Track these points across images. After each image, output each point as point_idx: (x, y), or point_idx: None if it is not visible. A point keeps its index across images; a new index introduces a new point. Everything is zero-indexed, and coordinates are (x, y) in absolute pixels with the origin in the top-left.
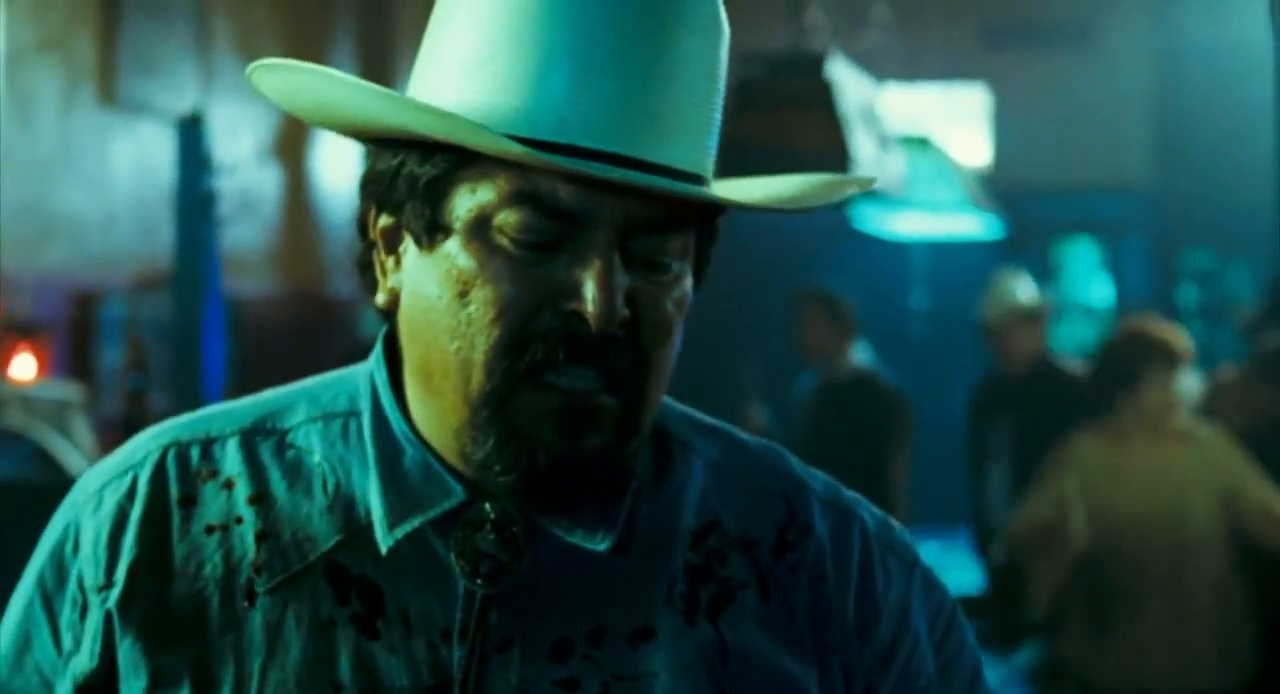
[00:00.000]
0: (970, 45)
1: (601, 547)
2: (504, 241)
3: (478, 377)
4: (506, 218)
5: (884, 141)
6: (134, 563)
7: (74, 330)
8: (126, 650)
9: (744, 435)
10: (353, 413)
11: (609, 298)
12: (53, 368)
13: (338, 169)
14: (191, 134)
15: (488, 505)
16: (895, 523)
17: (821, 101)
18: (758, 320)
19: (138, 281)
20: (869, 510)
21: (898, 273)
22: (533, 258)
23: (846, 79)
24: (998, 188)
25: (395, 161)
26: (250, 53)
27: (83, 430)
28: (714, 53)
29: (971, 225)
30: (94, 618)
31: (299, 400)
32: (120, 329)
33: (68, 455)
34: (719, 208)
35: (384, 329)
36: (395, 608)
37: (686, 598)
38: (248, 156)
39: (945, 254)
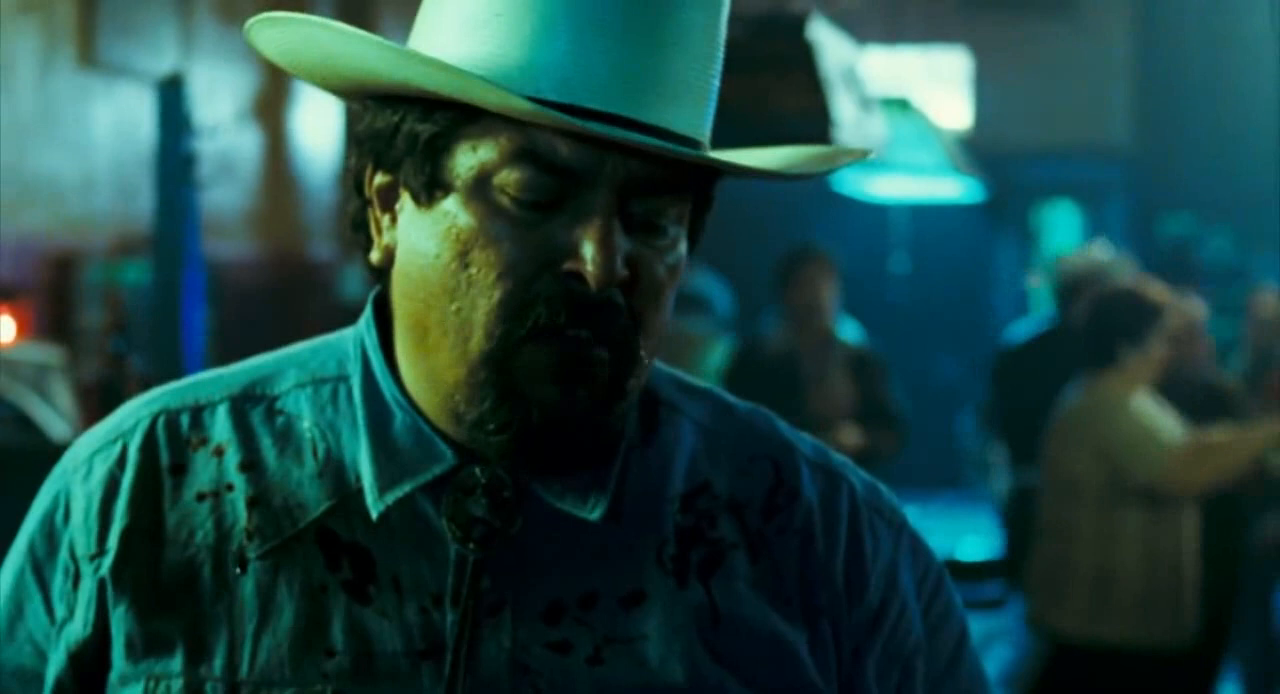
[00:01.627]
0: (951, 8)
1: (593, 515)
2: (504, 201)
3: (478, 337)
4: (508, 176)
5: (864, 104)
6: (126, 530)
7: (53, 293)
8: (119, 617)
9: (731, 398)
10: (342, 377)
11: (609, 258)
12: (32, 331)
13: (318, 131)
14: (171, 96)
15: (478, 470)
16: (882, 486)
17: (802, 63)
18: (738, 280)
19: (117, 244)
20: (857, 473)
21: (878, 235)
22: (533, 217)
23: (827, 41)
24: (978, 151)
25: (395, 118)
26: (230, 15)
27: (62, 393)
28: (715, 20)
29: (952, 188)
30: (87, 586)
31: (287, 366)
32: (100, 292)
33: (47, 418)
34: (716, 173)
35: (374, 292)
36: (386, 573)
37: (677, 560)
38: (228, 119)
39: (925, 217)
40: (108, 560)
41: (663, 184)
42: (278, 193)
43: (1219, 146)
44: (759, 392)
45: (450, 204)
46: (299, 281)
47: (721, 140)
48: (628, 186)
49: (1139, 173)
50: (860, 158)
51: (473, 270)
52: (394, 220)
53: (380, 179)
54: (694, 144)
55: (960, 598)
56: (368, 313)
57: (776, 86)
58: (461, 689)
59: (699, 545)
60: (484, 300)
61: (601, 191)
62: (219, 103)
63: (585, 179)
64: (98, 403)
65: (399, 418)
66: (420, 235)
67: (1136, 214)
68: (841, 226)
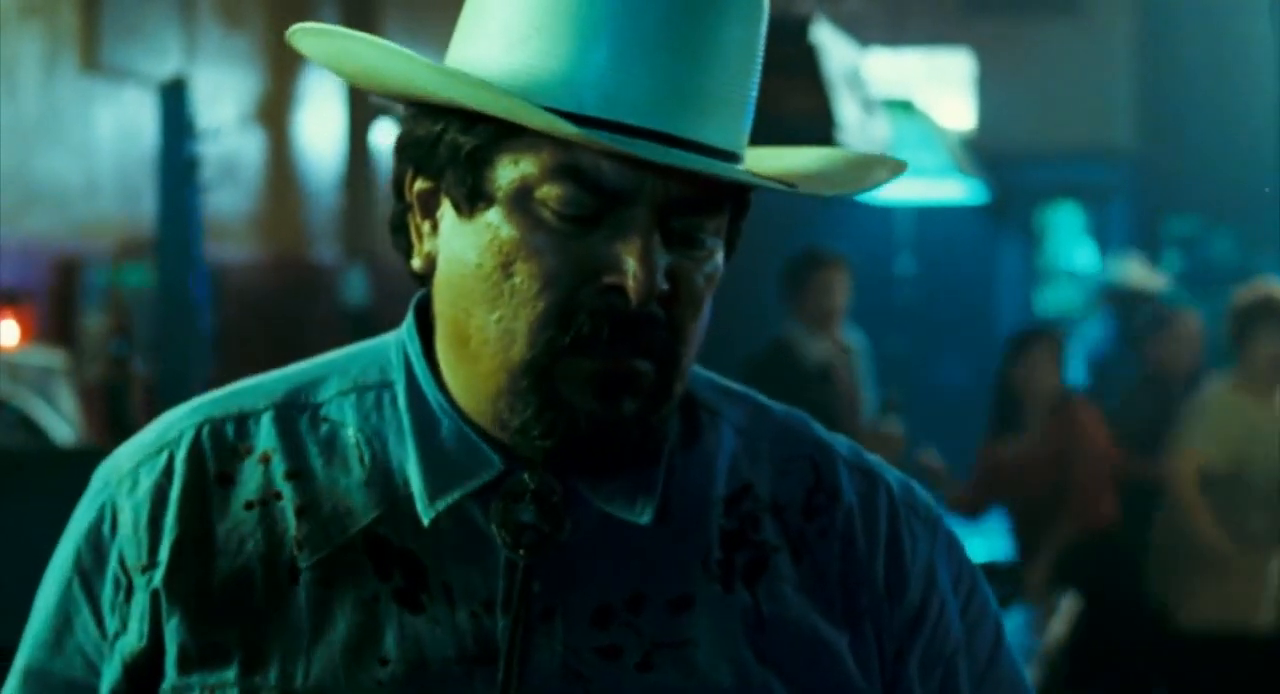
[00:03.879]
0: (954, 9)
1: (643, 519)
2: (546, 214)
3: (520, 346)
4: (549, 191)
5: (868, 106)
6: (177, 541)
7: (57, 297)
8: (173, 629)
9: (767, 400)
10: (385, 384)
11: (649, 274)
12: (36, 334)
13: (321, 135)
14: (174, 100)
15: (526, 476)
16: (916, 484)
17: (806, 66)
18: (741, 282)
19: (121, 248)
20: (892, 473)
21: (883, 237)
22: (574, 230)
23: (830, 43)
24: (982, 153)
25: (437, 128)
26: (233, 18)
27: (66, 397)
28: (754, 34)
29: (955, 190)
30: (139, 598)
31: (329, 373)
32: (103, 295)
33: (50, 421)
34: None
35: (415, 298)
36: (437, 580)
37: (722, 564)
38: (231, 122)
39: (929, 219)
40: (159, 572)
41: (702, 201)
42: (281, 196)
43: (1223, 148)
44: (794, 395)
45: (492, 216)
46: (302, 285)
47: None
48: (668, 204)
49: (1143, 174)
50: (897, 171)
51: (516, 280)
52: (435, 227)
53: (421, 185)
54: (732, 157)
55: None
56: (410, 319)
57: (780, 89)
58: None
59: (744, 548)
60: (526, 310)
61: (642, 209)
62: (222, 106)
63: (626, 197)
64: (101, 406)
65: (445, 424)
66: (463, 245)
67: (1140, 216)
68: (844, 228)
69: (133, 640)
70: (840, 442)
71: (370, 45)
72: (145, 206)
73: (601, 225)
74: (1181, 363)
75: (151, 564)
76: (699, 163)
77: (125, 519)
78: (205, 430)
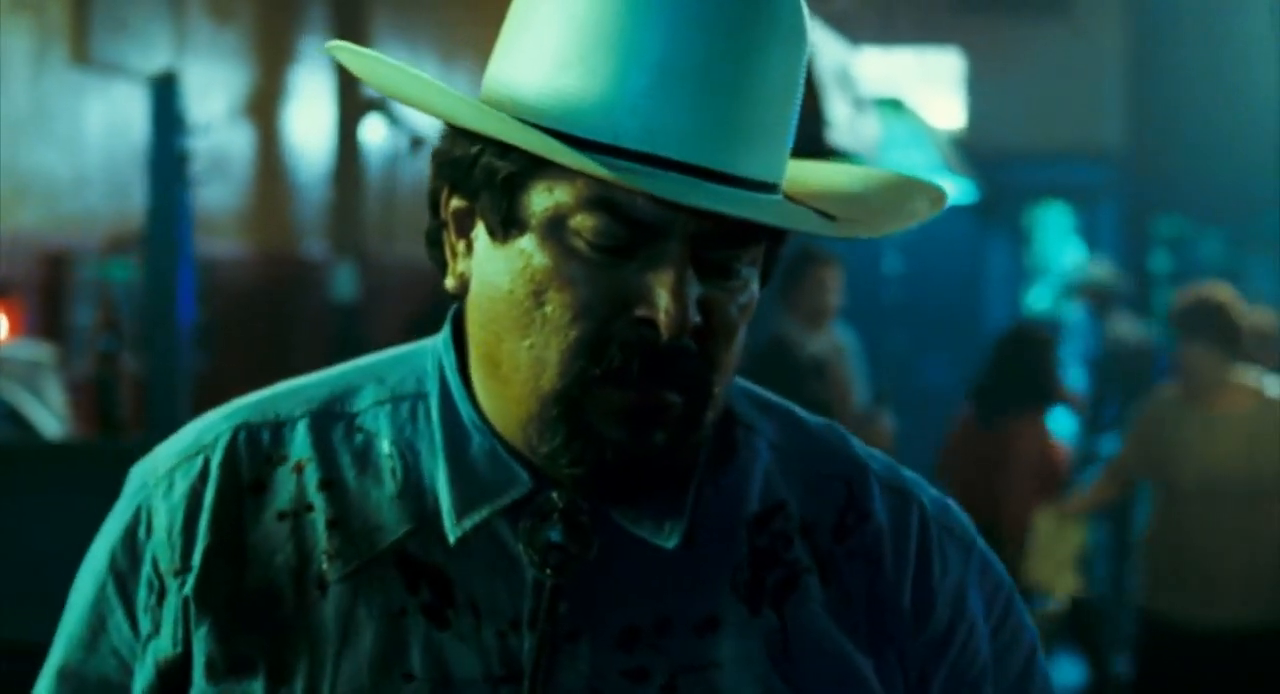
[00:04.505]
0: (944, 9)
1: (670, 543)
2: (579, 244)
3: (551, 375)
4: (583, 221)
5: (858, 104)
6: (208, 549)
7: (46, 291)
8: (201, 637)
9: (805, 414)
10: (420, 395)
11: (681, 308)
12: (24, 328)
13: (311, 130)
14: (164, 94)
15: (555, 495)
16: (952, 503)
17: None
18: None
19: (110, 242)
20: (927, 492)
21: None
22: (607, 261)
23: (821, 42)
24: (971, 152)
25: (473, 150)
26: (223, 13)
27: (54, 391)
28: (797, 64)
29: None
30: (172, 602)
31: (366, 381)
32: (92, 290)
33: (39, 416)
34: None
35: (452, 310)
36: (464, 597)
37: (750, 585)
38: (220, 117)
39: None
40: (191, 579)
41: (737, 236)
42: (270, 191)
43: (1212, 149)
44: (790, 390)
45: (526, 243)
46: (291, 280)
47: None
48: (701, 238)
49: (1132, 175)
50: (939, 205)
51: (548, 309)
52: (469, 248)
53: (456, 203)
54: (771, 188)
55: (1029, 615)
56: (446, 330)
57: None
58: None
59: (774, 568)
60: (558, 339)
61: (675, 242)
62: (212, 101)
63: (660, 230)
64: (89, 400)
65: (476, 441)
66: (496, 269)
67: (1129, 216)
68: None
69: (165, 645)
70: (876, 458)
71: (406, 75)
72: (134, 201)
73: (635, 257)
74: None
75: (184, 569)
76: (731, 202)
77: (160, 522)
78: (241, 436)
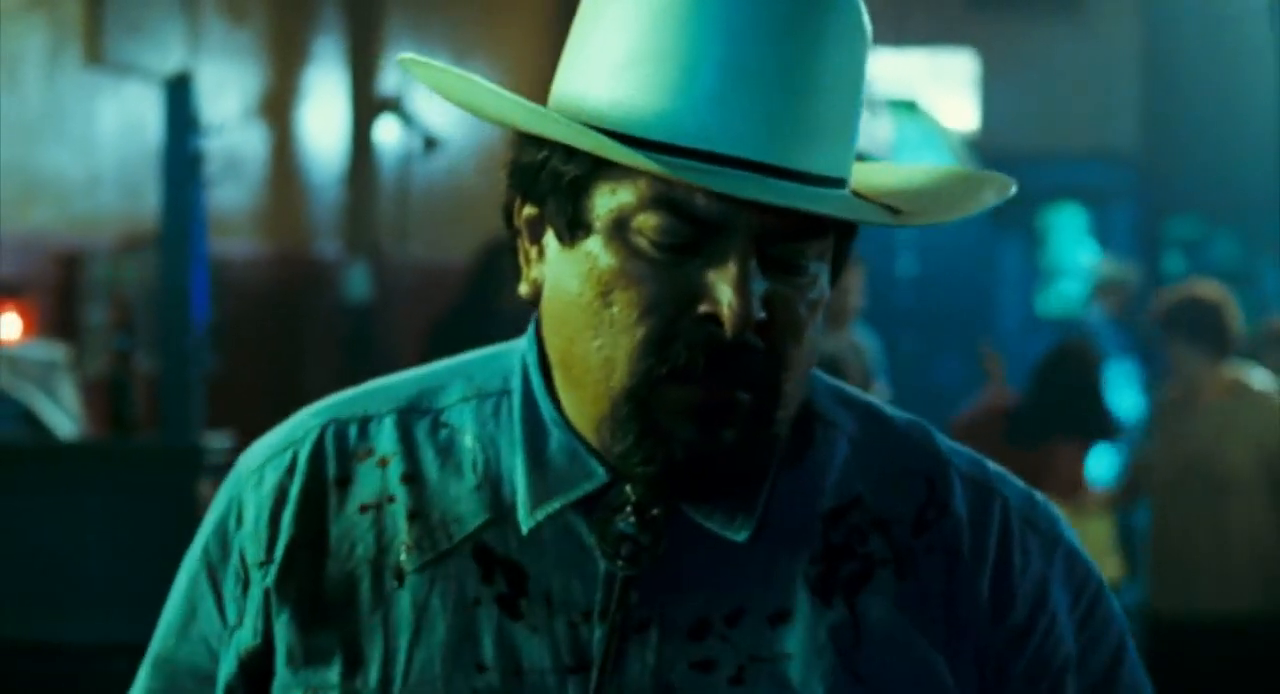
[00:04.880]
0: (957, 9)
1: (740, 537)
2: (643, 243)
3: (620, 374)
4: (646, 220)
5: (872, 106)
6: (291, 541)
7: (59, 291)
8: (281, 627)
9: (890, 410)
10: (505, 392)
11: (745, 303)
12: (38, 328)
13: (325, 130)
14: (178, 94)
15: (628, 488)
16: (1039, 496)
17: None
18: None
19: (123, 242)
20: (1013, 486)
21: (884, 238)
22: (672, 259)
23: None
24: (984, 153)
25: (540, 155)
26: (237, 14)
27: (68, 391)
28: (858, 62)
29: None
30: (255, 593)
31: (455, 379)
32: (105, 289)
33: (53, 416)
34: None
35: (537, 312)
36: (538, 588)
37: (823, 578)
38: (234, 117)
39: None
40: (273, 570)
41: (801, 230)
42: (284, 191)
43: (1226, 150)
44: None
45: (592, 245)
46: (304, 280)
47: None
48: (765, 234)
49: (1146, 176)
50: (1005, 192)
51: (615, 309)
52: (541, 253)
53: (528, 211)
54: (835, 183)
55: (1120, 609)
56: (531, 330)
57: None
58: None
59: (849, 561)
60: (626, 338)
61: (738, 239)
62: (226, 101)
63: (722, 226)
64: (102, 400)
65: (555, 436)
66: (564, 274)
67: (1143, 218)
68: None
69: (247, 636)
70: (960, 453)
71: (467, 82)
72: (147, 201)
73: (699, 254)
74: None
75: (268, 560)
76: (787, 195)
77: (249, 515)
78: (330, 431)
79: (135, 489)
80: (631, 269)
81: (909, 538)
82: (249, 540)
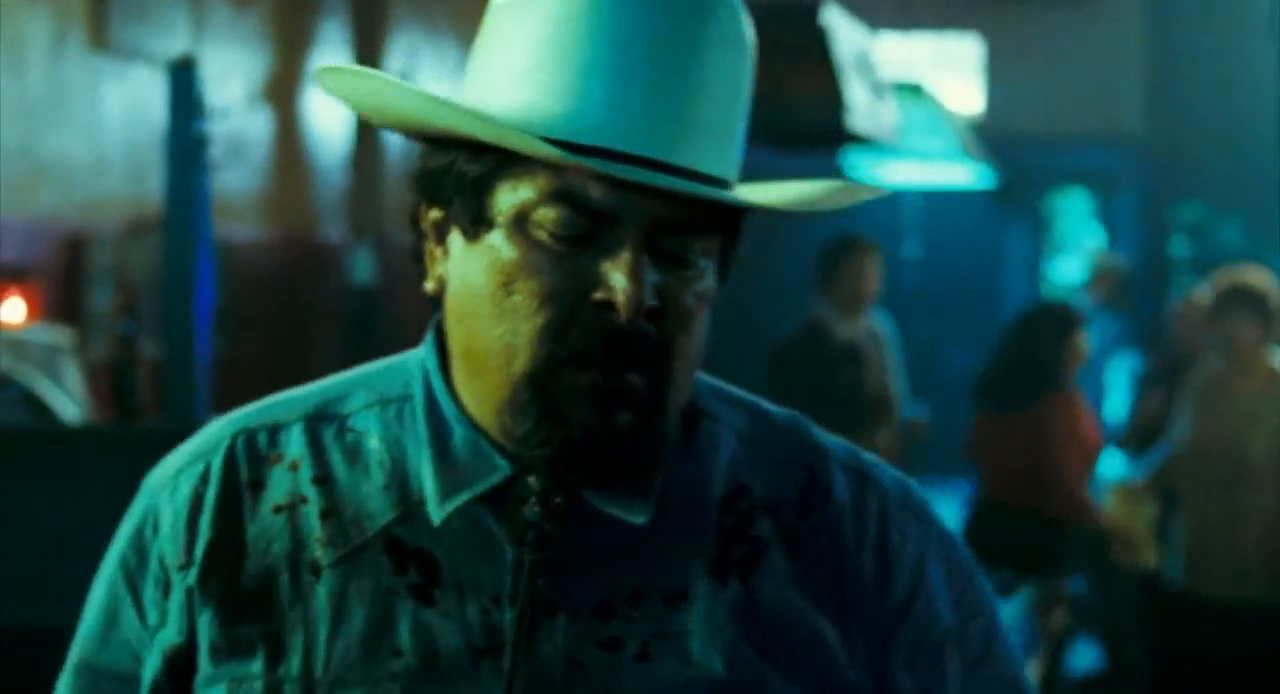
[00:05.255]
0: None
1: (639, 520)
2: (543, 235)
3: (521, 359)
4: (545, 214)
5: (877, 89)
6: (210, 543)
7: (64, 275)
8: (205, 624)
9: (769, 406)
10: (406, 397)
11: (637, 290)
12: (42, 312)
13: (329, 115)
14: (183, 79)
15: (532, 479)
16: (912, 483)
17: (816, 50)
18: (751, 264)
19: (128, 226)
20: (887, 472)
21: (890, 221)
22: (569, 251)
23: (840, 27)
24: (990, 137)
25: (446, 160)
26: None
27: (72, 375)
28: (741, 67)
29: (963, 175)
30: (177, 595)
31: (357, 388)
32: (110, 273)
33: (57, 400)
34: (743, 210)
35: (435, 318)
36: (450, 576)
37: (718, 560)
38: (239, 101)
39: (937, 203)
40: (194, 571)
41: (689, 222)
42: (289, 176)
43: (1232, 134)
44: (826, 373)
45: (494, 239)
46: (309, 264)
47: (758, 183)
48: (656, 225)
49: (1152, 160)
50: (877, 195)
51: (517, 298)
52: (446, 253)
53: (433, 215)
54: (720, 182)
55: (991, 591)
56: (430, 336)
57: (790, 73)
58: (519, 686)
59: (740, 544)
60: (527, 325)
61: (631, 229)
62: (231, 86)
63: (616, 218)
64: (107, 385)
65: (458, 433)
66: (468, 267)
67: (1148, 202)
68: (852, 213)
69: (171, 635)
70: (837, 444)
71: (381, 81)
72: (153, 186)
73: (594, 245)
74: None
75: (188, 563)
76: (675, 183)
77: (165, 522)
78: (240, 440)
79: (139, 475)
80: (532, 260)
81: (795, 520)
82: (168, 545)
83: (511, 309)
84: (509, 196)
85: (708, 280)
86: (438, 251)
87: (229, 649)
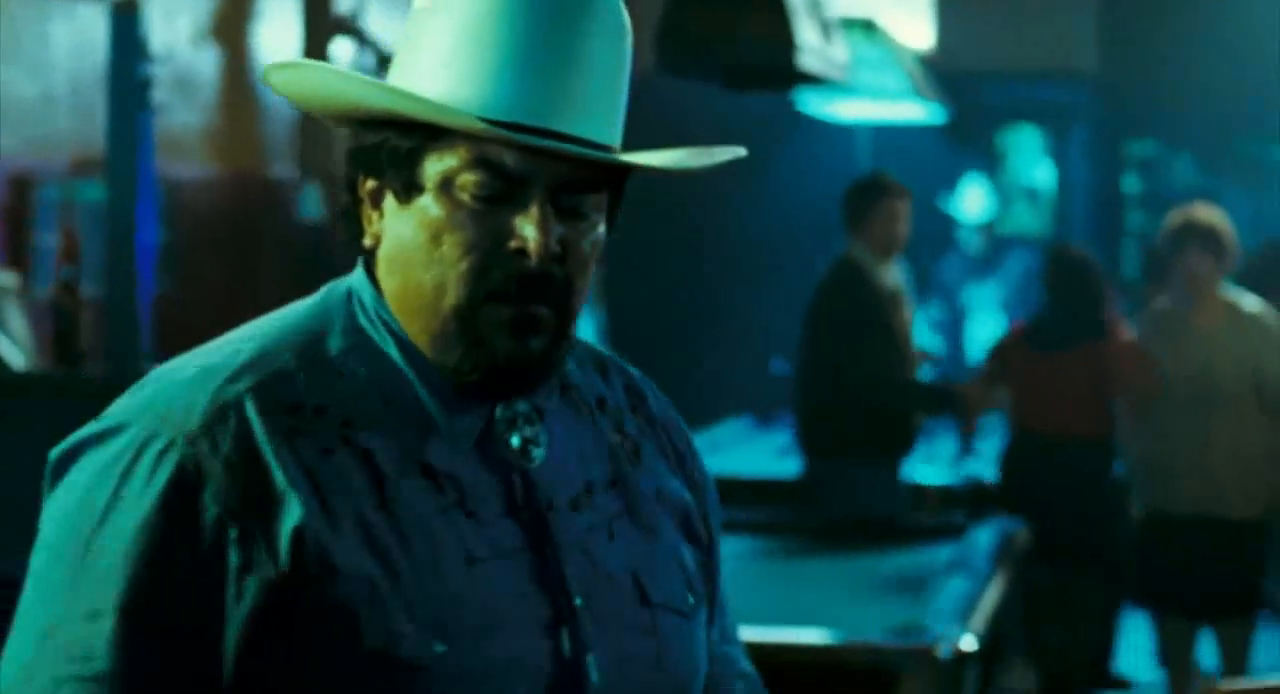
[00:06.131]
0: None
1: (552, 398)
2: (465, 197)
3: (449, 297)
4: (467, 178)
5: (827, 27)
6: (276, 483)
7: (10, 214)
8: (308, 552)
9: (587, 342)
10: (366, 338)
11: (545, 238)
12: None
13: (278, 52)
14: (125, 22)
15: (514, 407)
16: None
17: None
18: (698, 198)
19: (74, 165)
20: (650, 381)
21: (842, 158)
22: (487, 208)
23: None
24: (941, 73)
25: (380, 137)
26: None
27: (15, 317)
28: (621, 52)
29: (915, 111)
30: (258, 535)
31: (317, 326)
32: (56, 213)
33: (0, 342)
34: (626, 172)
35: (360, 273)
36: (472, 491)
37: (621, 448)
38: (184, 40)
39: (889, 139)
40: (280, 508)
41: (585, 182)
42: (237, 113)
43: (1185, 72)
44: (871, 315)
45: (424, 201)
46: (259, 201)
47: (689, 68)
48: (558, 185)
49: (1104, 97)
50: (733, 156)
51: (444, 248)
52: (381, 215)
53: (370, 184)
54: (607, 149)
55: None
56: (363, 281)
57: (741, 13)
58: (544, 577)
59: (625, 438)
60: (453, 270)
61: (538, 189)
62: (177, 23)
63: (526, 180)
64: (50, 327)
65: (434, 372)
66: (402, 226)
67: (1101, 139)
68: (804, 149)
69: (268, 569)
70: (629, 365)
71: (320, 69)
72: (99, 124)
73: (508, 203)
74: None
75: (264, 503)
76: (576, 150)
77: (216, 472)
78: (258, 392)
79: (80, 421)
80: (456, 217)
81: (640, 417)
82: (231, 494)
83: (440, 258)
84: (435, 165)
85: (599, 231)
86: (374, 214)
87: (326, 574)
